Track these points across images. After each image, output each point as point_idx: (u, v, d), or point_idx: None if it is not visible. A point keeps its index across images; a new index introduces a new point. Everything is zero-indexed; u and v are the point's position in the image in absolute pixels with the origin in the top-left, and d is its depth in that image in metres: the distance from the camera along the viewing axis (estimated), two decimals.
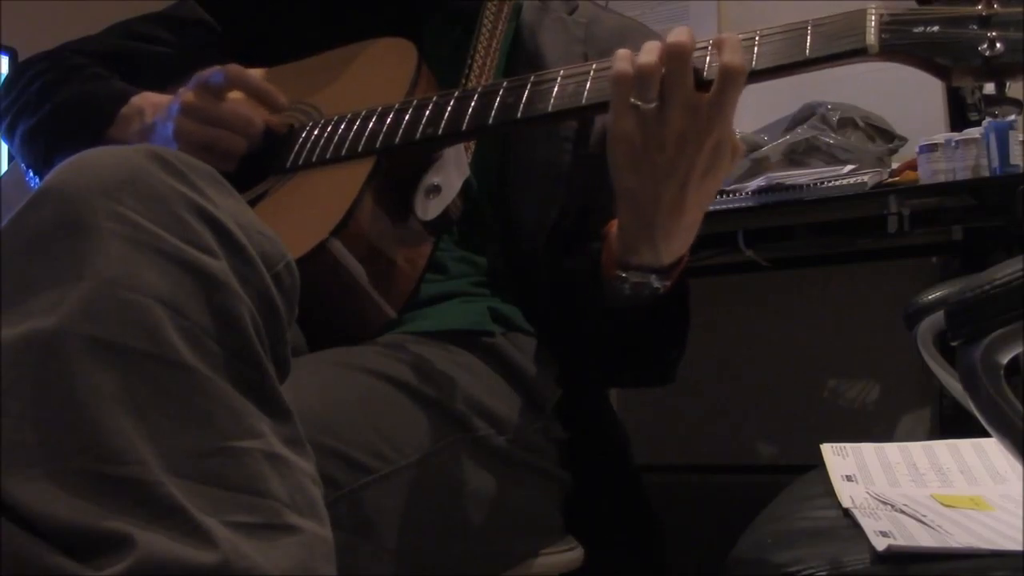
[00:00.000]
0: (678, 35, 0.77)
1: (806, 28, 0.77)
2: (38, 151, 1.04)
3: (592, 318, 0.95)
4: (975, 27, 0.71)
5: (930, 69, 0.74)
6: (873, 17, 0.74)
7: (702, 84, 0.77)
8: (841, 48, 0.75)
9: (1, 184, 1.18)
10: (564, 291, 0.98)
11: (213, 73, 0.95)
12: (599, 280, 0.90)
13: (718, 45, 0.77)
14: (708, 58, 0.78)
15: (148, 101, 1.00)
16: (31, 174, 1.08)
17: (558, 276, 0.99)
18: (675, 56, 0.77)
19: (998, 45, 0.70)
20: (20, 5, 2.13)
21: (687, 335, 0.96)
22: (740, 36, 0.78)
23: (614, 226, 0.88)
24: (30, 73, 1.09)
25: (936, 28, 0.73)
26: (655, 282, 0.86)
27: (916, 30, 0.73)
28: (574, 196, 1.01)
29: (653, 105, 0.78)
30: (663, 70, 0.77)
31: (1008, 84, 0.73)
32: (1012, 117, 1.64)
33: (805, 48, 0.76)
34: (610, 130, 0.80)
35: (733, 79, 0.76)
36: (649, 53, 0.78)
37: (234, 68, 0.96)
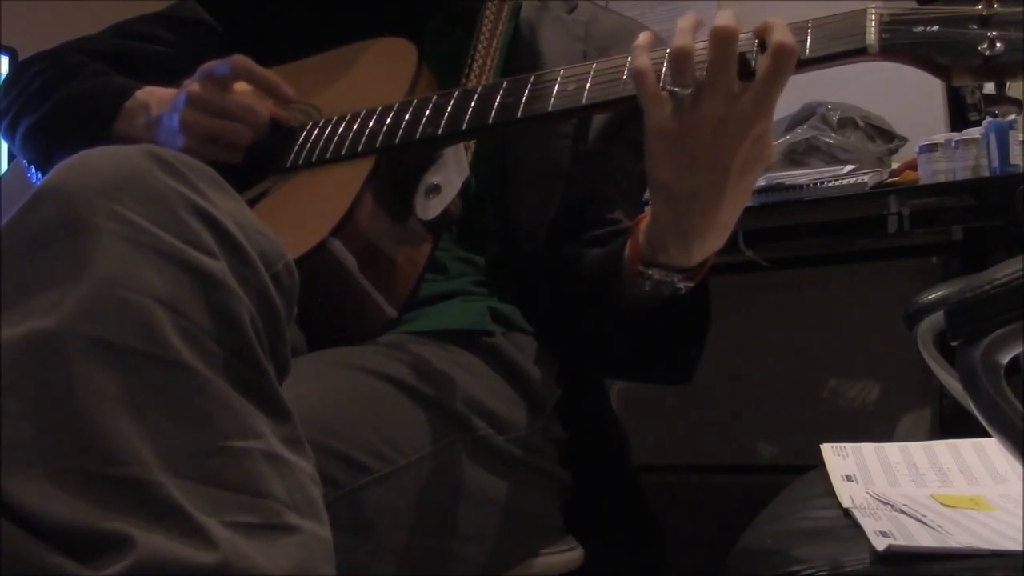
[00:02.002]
0: (725, 19, 0.75)
1: (806, 28, 0.77)
2: (40, 148, 1.04)
3: (596, 307, 0.94)
4: (975, 26, 0.71)
5: (930, 69, 0.73)
6: (873, 17, 0.74)
7: (744, 74, 0.76)
8: (841, 48, 0.75)
9: (1, 184, 1.18)
10: (565, 279, 0.98)
11: (219, 64, 0.95)
12: (617, 274, 0.89)
13: (765, 30, 0.75)
14: (752, 49, 0.77)
15: (152, 95, 1.00)
16: (33, 170, 1.08)
17: (558, 266, 0.98)
18: (722, 40, 0.74)
19: (998, 44, 0.70)
20: (20, 5, 2.14)
21: (707, 334, 0.94)
22: (744, 32, 0.78)
23: (643, 220, 0.86)
24: (31, 72, 1.09)
25: (936, 28, 0.73)
26: (678, 282, 0.84)
27: (916, 30, 0.73)
28: (573, 192, 1.01)
29: (689, 91, 0.75)
30: (705, 53, 0.75)
31: (1008, 84, 0.73)
32: (1012, 116, 1.64)
33: (805, 48, 0.76)
34: (646, 124, 0.79)
35: (785, 59, 0.74)
36: (683, 36, 0.76)
37: (241, 59, 0.96)
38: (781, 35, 0.74)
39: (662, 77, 0.78)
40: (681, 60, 0.76)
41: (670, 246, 0.83)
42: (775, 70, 0.74)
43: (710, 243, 0.83)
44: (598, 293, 0.93)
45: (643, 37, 0.79)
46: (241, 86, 0.96)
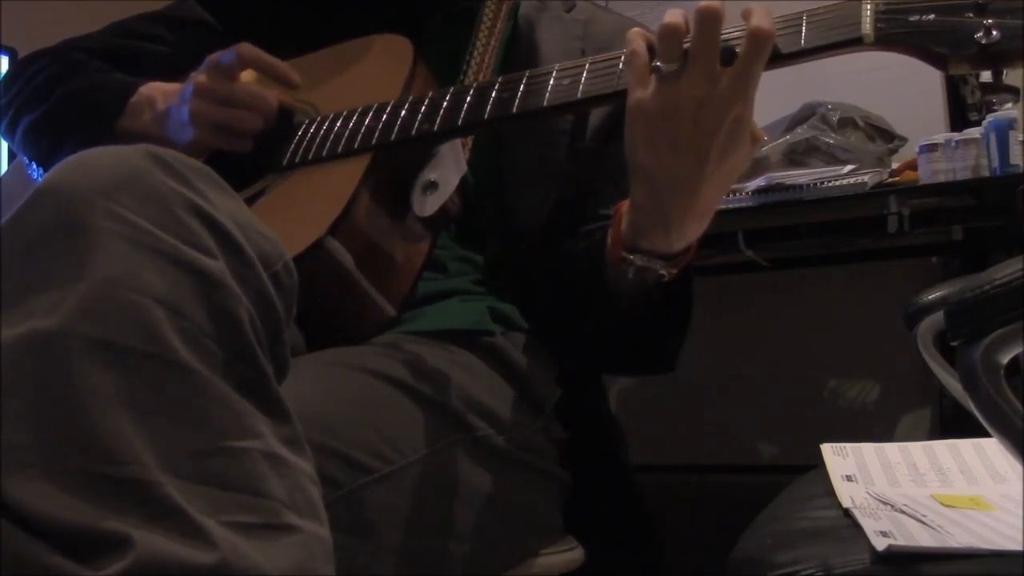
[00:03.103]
0: (711, 1, 0.76)
1: (801, 19, 0.77)
2: (43, 144, 1.04)
3: (592, 302, 0.94)
4: (971, 15, 0.71)
5: (926, 58, 0.73)
6: (869, 6, 0.74)
7: (727, 61, 0.76)
8: (837, 38, 0.75)
9: (1, 184, 1.18)
10: (563, 277, 0.98)
11: (225, 54, 0.95)
12: (601, 262, 0.90)
13: (746, 15, 0.76)
14: (734, 40, 0.77)
15: (157, 89, 1.00)
16: (34, 166, 1.08)
17: (556, 263, 0.98)
18: (707, 19, 0.75)
19: (994, 32, 0.70)
20: (20, 5, 2.14)
21: (688, 324, 0.94)
22: (734, 28, 0.78)
23: (624, 207, 0.86)
24: (33, 68, 1.09)
25: (932, 16, 0.72)
26: (661, 268, 0.85)
27: (912, 18, 0.73)
28: (570, 189, 1.01)
29: (674, 67, 0.76)
30: (689, 34, 0.76)
31: (1005, 72, 0.73)
32: (1009, 105, 1.64)
33: (801, 39, 0.76)
34: (628, 105, 0.79)
35: (761, 43, 0.74)
36: (674, 16, 0.77)
37: (246, 47, 0.96)
38: (758, 20, 0.75)
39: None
40: (669, 34, 0.77)
41: (650, 231, 0.83)
42: (752, 54, 0.75)
43: (690, 229, 0.83)
44: (587, 284, 0.93)
45: (637, 31, 0.81)
46: (247, 75, 0.96)
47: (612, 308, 0.92)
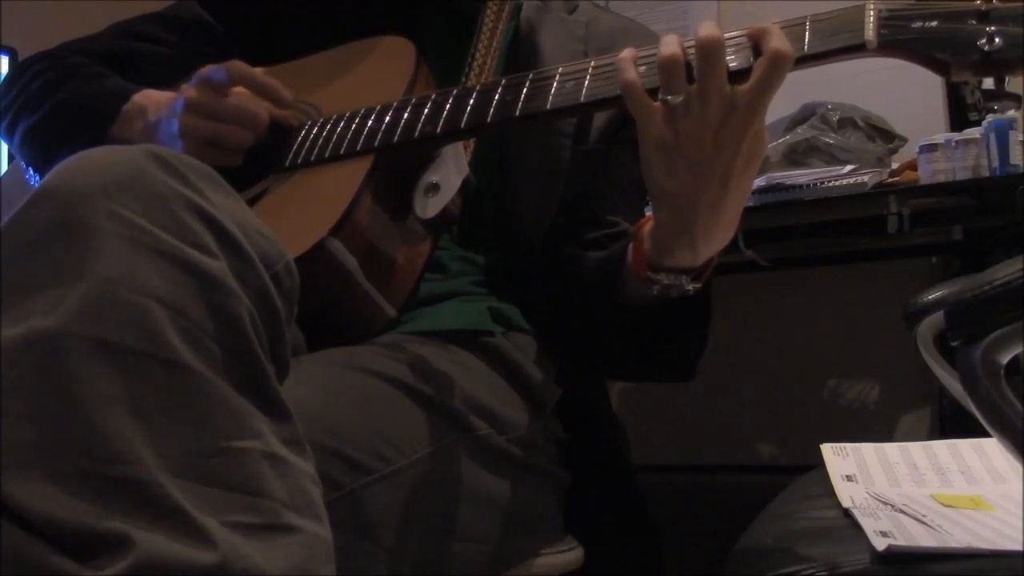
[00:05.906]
0: (709, 29, 0.75)
1: (804, 24, 0.77)
2: (39, 150, 1.04)
3: (605, 313, 0.94)
4: (974, 22, 0.71)
5: (929, 64, 0.73)
6: (872, 12, 0.74)
7: (733, 77, 0.76)
8: (840, 44, 0.75)
9: (1, 184, 1.18)
10: (570, 284, 0.98)
11: (215, 70, 0.95)
12: (619, 278, 0.89)
13: (761, 34, 0.76)
14: (736, 51, 0.77)
15: (150, 98, 1.00)
16: (31, 172, 1.08)
17: (558, 266, 0.98)
18: (709, 50, 0.75)
19: (997, 40, 0.70)
20: (20, 5, 2.14)
21: (707, 331, 0.94)
22: (737, 32, 0.78)
23: (645, 225, 0.86)
24: (30, 72, 1.09)
25: (935, 23, 0.73)
26: (686, 283, 0.85)
27: (915, 25, 0.73)
28: (572, 191, 1.01)
29: (681, 98, 0.76)
30: (690, 61, 0.76)
31: (1007, 79, 0.73)
32: (1011, 112, 1.64)
33: (804, 44, 0.76)
34: (641, 137, 0.79)
35: (780, 65, 0.74)
36: (669, 46, 0.76)
37: (236, 64, 0.96)
38: (778, 42, 0.75)
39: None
40: (671, 66, 0.76)
41: (677, 250, 0.83)
42: (771, 75, 0.75)
43: (717, 242, 0.83)
44: (599, 296, 0.93)
45: (626, 52, 0.79)
46: (239, 90, 0.96)
47: (621, 317, 0.92)
